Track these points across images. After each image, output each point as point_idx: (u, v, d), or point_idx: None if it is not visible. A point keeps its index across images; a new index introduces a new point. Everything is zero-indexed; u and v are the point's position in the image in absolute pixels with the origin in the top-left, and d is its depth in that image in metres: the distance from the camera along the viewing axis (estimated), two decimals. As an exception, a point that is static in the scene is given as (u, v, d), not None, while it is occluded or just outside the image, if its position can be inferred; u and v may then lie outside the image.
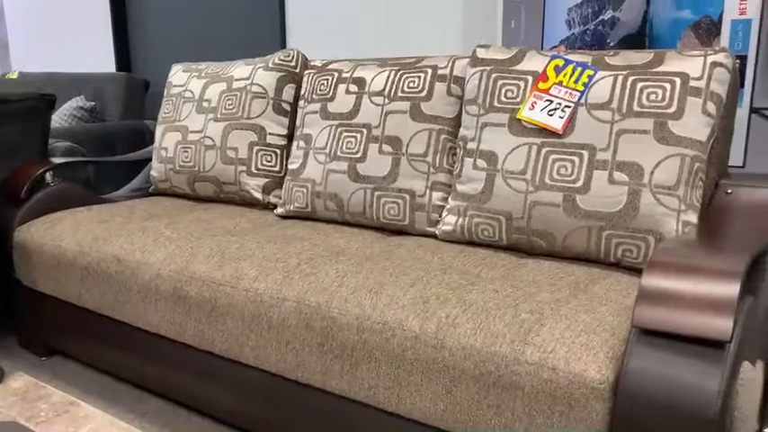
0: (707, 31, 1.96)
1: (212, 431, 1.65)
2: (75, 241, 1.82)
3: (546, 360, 1.09)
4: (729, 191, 1.51)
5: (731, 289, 0.98)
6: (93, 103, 3.75)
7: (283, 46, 3.24)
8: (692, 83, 1.44)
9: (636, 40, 2.11)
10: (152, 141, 3.33)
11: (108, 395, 1.83)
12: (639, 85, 1.47)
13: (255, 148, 2.14)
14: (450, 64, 1.81)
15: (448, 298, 1.26)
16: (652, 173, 1.42)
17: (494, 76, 1.67)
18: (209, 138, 2.19)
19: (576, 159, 1.49)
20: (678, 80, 1.45)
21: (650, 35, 2.08)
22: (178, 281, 1.57)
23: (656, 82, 1.47)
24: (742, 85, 1.92)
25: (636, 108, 1.46)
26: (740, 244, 1.20)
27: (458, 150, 1.71)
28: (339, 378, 1.32)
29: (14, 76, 3.80)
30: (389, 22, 2.88)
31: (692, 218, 1.41)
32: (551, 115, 1.54)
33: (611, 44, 2.15)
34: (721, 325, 0.96)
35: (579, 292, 1.30)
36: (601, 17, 2.16)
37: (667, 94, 1.44)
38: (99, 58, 4.08)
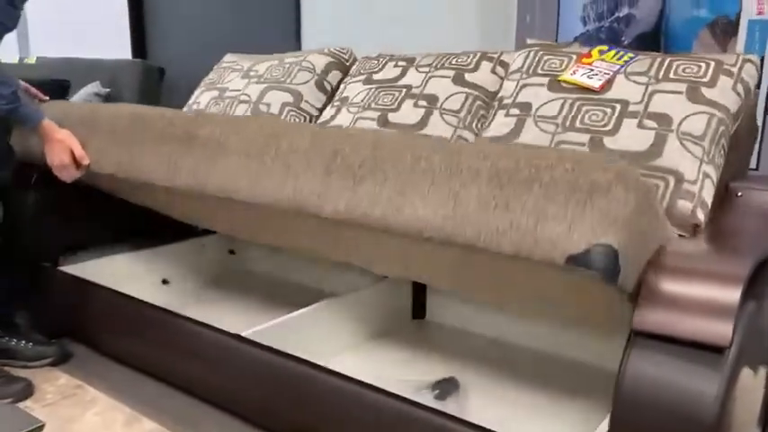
0: (723, 31, 1.94)
1: (214, 417, 1.66)
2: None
3: (566, 153, 1.06)
4: (740, 193, 1.50)
5: (732, 294, 0.97)
6: (108, 90, 3.77)
7: (298, 35, 3.24)
8: (726, 66, 1.55)
9: (651, 38, 2.09)
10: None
11: (114, 380, 1.85)
12: (676, 63, 1.58)
13: (287, 108, 2.18)
14: (498, 54, 1.94)
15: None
16: (681, 123, 1.47)
17: (540, 53, 1.78)
18: (245, 95, 2.26)
19: (609, 110, 1.55)
20: (713, 63, 1.55)
21: (666, 33, 2.06)
22: (191, 124, 1.55)
23: (693, 61, 1.57)
24: (758, 87, 1.89)
25: (672, 76, 1.56)
26: (745, 248, 1.19)
27: (490, 111, 1.77)
28: (337, 197, 1.24)
29: (32, 60, 3.84)
30: (405, 17, 2.87)
31: (713, 174, 1.44)
32: (590, 78, 1.63)
33: (626, 42, 2.12)
34: (721, 330, 0.95)
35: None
36: (616, 14, 2.13)
37: (702, 69, 1.55)
38: (115, 44, 4.10)
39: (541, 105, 1.64)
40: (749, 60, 1.56)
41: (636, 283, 1.04)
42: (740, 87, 1.52)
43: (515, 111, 1.67)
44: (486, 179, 1.07)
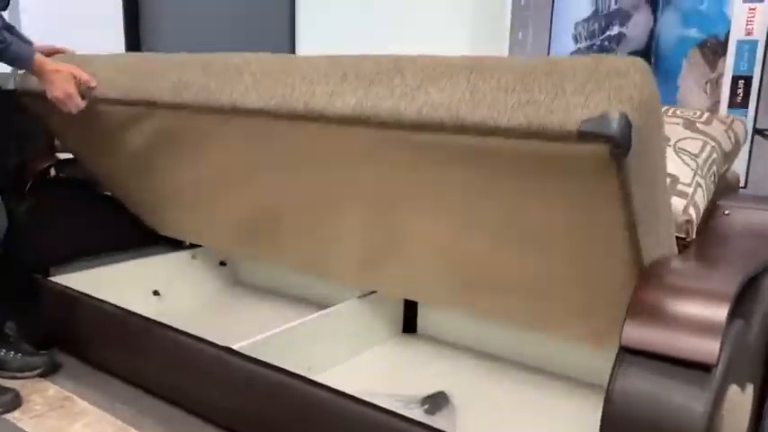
0: (712, 51, 1.97)
1: (204, 431, 1.65)
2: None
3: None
4: (727, 212, 1.51)
5: (720, 312, 0.98)
6: (102, 99, 3.76)
7: (293, 39, 3.24)
8: (719, 117, 1.69)
9: (641, 56, 2.11)
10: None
11: (103, 391, 1.84)
12: (673, 109, 1.69)
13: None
14: None
15: None
16: (677, 142, 1.55)
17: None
18: None
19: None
20: (708, 112, 1.70)
21: (656, 52, 2.09)
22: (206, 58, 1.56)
23: (689, 109, 1.71)
24: (746, 106, 1.92)
25: (669, 114, 1.64)
26: (733, 266, 1.20)
27: None
28: (349, 95, 1.24)
29: (26, 69, 3.82)
30: (399, 32, 2.89)
31: (704, 187, 1.49)
32: None
33: (617, 60, 2.15)
34: (708, 348, 0.96)
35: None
36: (607, 33, 2.16)
37: (697, 113, 1.65)
38: (109, 42, 4.09)
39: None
40: (739, 120, 1.72)
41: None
42: (731, 134, 1.63)
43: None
44: (508, 71, 1.07)
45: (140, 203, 2.24)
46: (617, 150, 0.95)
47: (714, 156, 1.54)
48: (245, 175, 1.74)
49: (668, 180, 1.43)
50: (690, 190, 1.44)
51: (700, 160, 1.51)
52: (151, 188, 2.08)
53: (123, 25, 4.06)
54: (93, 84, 1.71)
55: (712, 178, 1.53)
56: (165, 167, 1.92)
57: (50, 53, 1.83)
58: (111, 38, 4.08)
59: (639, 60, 1.01)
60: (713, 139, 1.58)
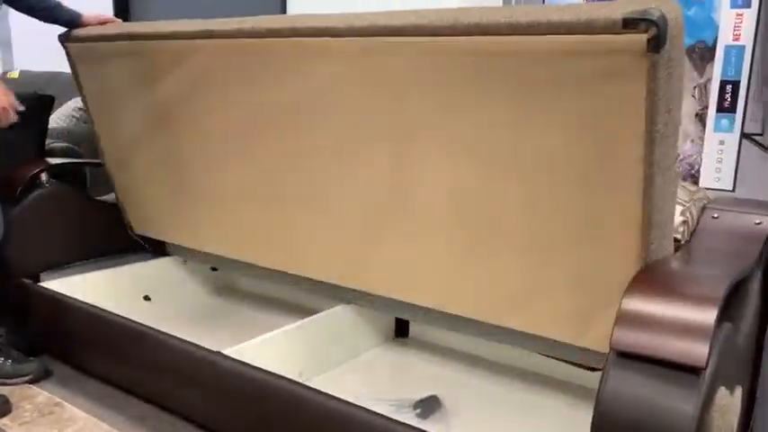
0: (701, 56, 1.98)
1: (195, 437, 1.65)
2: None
3: None
4: (716, 215, 1.52)
5: (708, 316, 0.99)
6: (93, 104, 3.75)
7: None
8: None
9: (631, 61, 2.13)
10: (150, 144, 3.34)
11: (94, 398, 1.83)
12: None
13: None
14: None
15: None
16: None
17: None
18: None
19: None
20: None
21: (645, 57, 2.10)
22: None
23: None
24: (733, 111, 1.94)
25: None
26: (721, 270, 1.21)
27: None
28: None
29: (15, 75, 3.81)
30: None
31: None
32: None
33: (607, 65, 2.16)
34: (697, 351, 0.97)
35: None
36: (597, 38, 2.18)
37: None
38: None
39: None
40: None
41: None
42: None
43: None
44: None
45: (130, 191, 2.25)
46: (655, 39, 1.05)
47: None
48: (245, 131, 1.78)
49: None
50: (687, 205, 1.48)
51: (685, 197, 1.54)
52: (145, 169, 2.11)
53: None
54: (20, 108, 1.80)
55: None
56: (165, 137, 1.99)
57: (102, 22, 2.04)
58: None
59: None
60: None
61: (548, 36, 1.17)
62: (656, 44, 1.06)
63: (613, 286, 1.19)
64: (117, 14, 4.01)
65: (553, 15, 1.15)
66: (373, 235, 1.65)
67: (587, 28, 1.12)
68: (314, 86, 1.56)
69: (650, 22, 1.05)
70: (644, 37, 1.07)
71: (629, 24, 1.08)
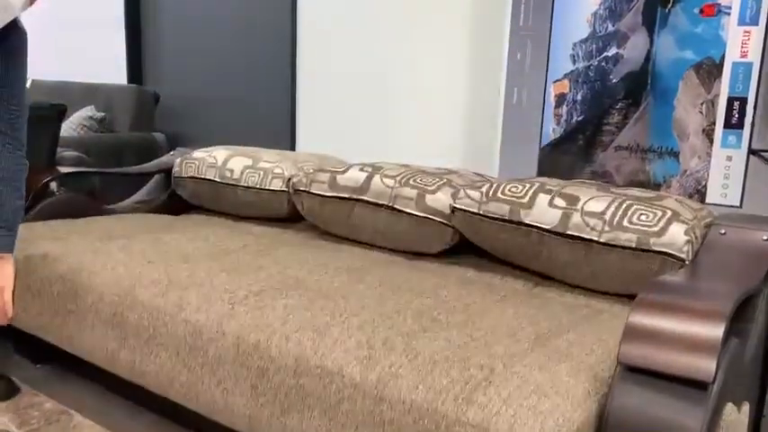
0: (708, 72, 1.99)
1: (201, 447, 1.65)
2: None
3: (489, 423, 1.02)
4: (723, 231, 1.53)
5: (716, 331, 0.99)
6: (103, 114, 3.80)
7: (293, 62, 3.29)
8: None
9: (638, 77, 2.14)
10: (160, 154, 3.37)
11: (101, 406, 1.83)
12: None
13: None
14: None
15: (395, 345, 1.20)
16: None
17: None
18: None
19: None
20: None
21: (653, 73, 2.12)
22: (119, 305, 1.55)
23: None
24: (741, 127, 1.94)
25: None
26: (729, 286, 1.21)
27: None
28: (267, 426, 1.27)
29: (28, 84, 3.85)
30: (397, 51, 2.92)
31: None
32: None
33: (614, 80, 2.18)
34: (704, 366, 0.97)
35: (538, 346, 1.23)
36: (605, 53, 2.19)
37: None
38: (111, 69, 4.14)
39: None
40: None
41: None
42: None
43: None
44: None
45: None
46: None
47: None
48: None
49: (669, 213, 1.47)
50: (691, 224, 1.47)
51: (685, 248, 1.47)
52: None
53: (125, 55, 4.12)
54: (9, 314, 1.72)
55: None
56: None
57: None
58: (113, 66, 4.14)
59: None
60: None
61: None
62: None
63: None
64: (128, 12, 4.07)
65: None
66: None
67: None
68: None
69: None
70: None
71: None
